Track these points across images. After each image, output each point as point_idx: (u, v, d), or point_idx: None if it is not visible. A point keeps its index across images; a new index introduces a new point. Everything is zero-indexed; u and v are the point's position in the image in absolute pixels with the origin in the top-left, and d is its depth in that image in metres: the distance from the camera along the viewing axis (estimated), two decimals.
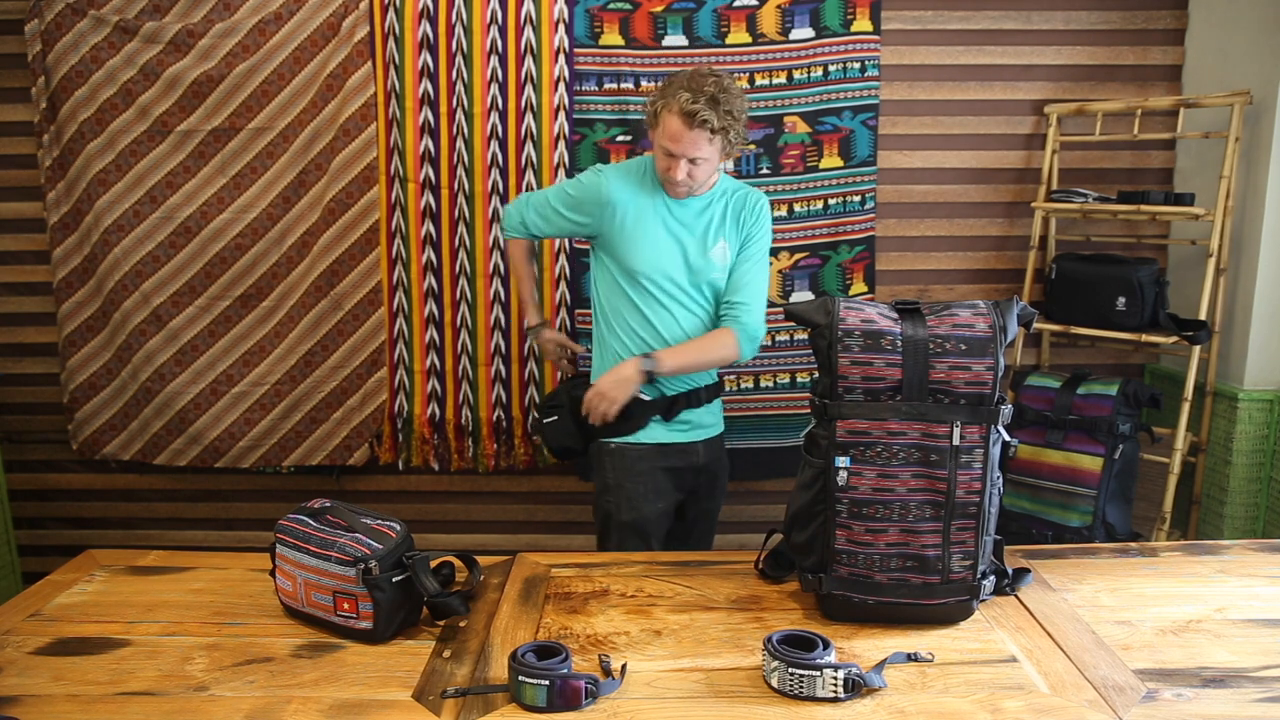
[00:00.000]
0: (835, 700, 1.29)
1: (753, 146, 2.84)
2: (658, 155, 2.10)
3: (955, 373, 1.45)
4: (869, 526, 1.49)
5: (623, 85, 2.83)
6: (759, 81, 2.83)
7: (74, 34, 2.79)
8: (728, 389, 2.95)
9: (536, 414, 2.28)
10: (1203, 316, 2.55)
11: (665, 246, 2.13)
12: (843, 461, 1.48)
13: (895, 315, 1.51)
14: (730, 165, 2.86)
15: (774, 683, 1.32)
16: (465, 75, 2.82)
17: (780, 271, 2.91)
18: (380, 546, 1.48)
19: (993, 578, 1.55)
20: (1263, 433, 2.60)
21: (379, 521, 1.54)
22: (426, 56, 2.82)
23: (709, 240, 2.15)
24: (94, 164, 2.86)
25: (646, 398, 2.16)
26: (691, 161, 2.04)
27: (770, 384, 2.98)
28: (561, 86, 2.82)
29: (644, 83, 2.81)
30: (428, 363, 2.97)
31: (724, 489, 2.41)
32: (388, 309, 2.93)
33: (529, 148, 2.85)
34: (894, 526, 1.48)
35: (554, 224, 2.26)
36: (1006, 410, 1.47)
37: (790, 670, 1.30)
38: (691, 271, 2.14)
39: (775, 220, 2.86)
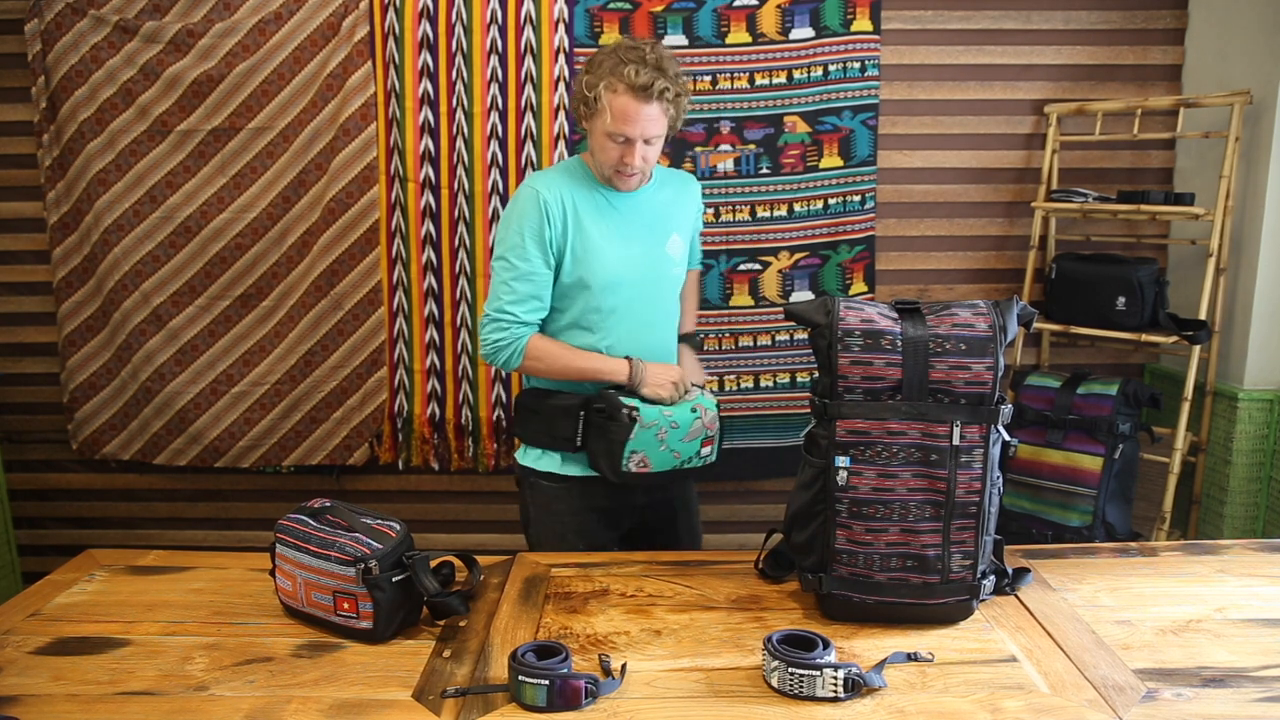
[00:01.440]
0: (835, 700, 1.29)
1: (754, 147, 2.83)
2: (603, 146, 1.86)
3: (955, 372, 1.45)
4: (869, 526, 1.49)
5: None
6: (759, 81, 2.83)
7: (74, 34, 2.79)
8: (727, 389, 2.96)
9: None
10: (1203, 316, 2.55)
11: (618, 247, 1.93)
12: (843, 461, 1.48)
13: (895, 315, 1.51)
14: (730, 165, 2.86)
15: (774, 682, 1.32)
16: (465, 75, 2.83)
17: (780, 271, 2.91)
18: (380, 546, 1.48)
19: (993, 577, 1.55)
20: (1263, 432, 2.60)
21: (379, 521, 1.54)
22: (426, 56, 2.82)
23: (663, 234, 1.98)
24: (94, 164, 2.86)
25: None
26: (646, 143, 1.84)
27: (770, 384, 2.98)
28: (561, 86, 2.82)
29: None
30: (428, 362, 2.97)
31: (692, 534, 2.14)
32: (388, 309, 2.93)
33: (529, 148, 2.85)
34: (894, 526, 1.48)
35: (540, 291, 1.92)
36: (1006, 410, 1.47)
37: (790, 670, 1.30)
38: (650, 270, 1.96)
39: (775, 220, 2.89)
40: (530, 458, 2.03)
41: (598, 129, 1.87)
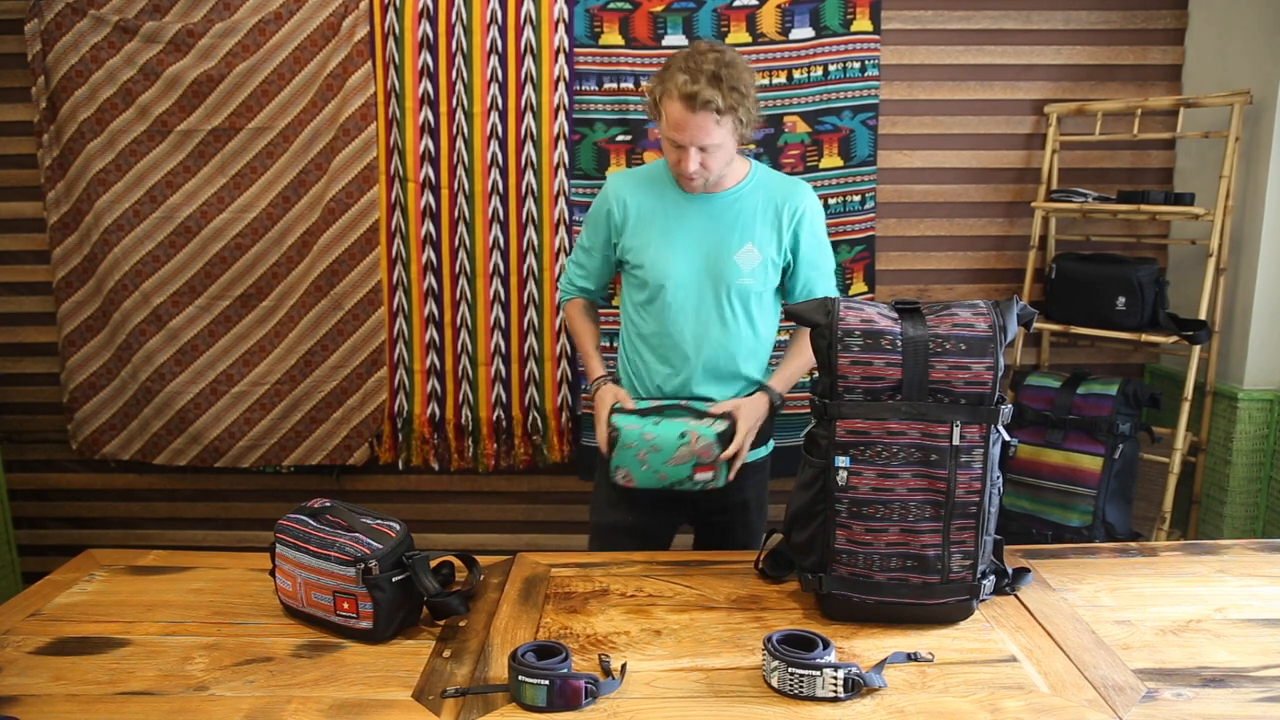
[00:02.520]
0: (835, 700, 1.29)
1: (753, 147, 2.84)
2: (666, 149, 1.92)
3: (955, 372, 1.45)
4: (869, 526, 1.49)
5: (623, 85, 2.83)
6: (759, 81, 2.82)
7: (74, 34, 2.79)
8: None
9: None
10: (1203, 316, 2.55)
11: (679, 247, 1.94)
12: (843, 461, 1.48)
13: (895, 315, 1.51)
14: None
15: (774, 682, 1.32)
16: (465, 75, 2.83)
17: None
18: (380, 546, 1.48)
19: (993, 577, 1.55)
20: (1263, 432, 2.60)
21: (379, 521, 1.54)
22: (426, 56, 2.82)
23: (733, 243, 1.95)
24: (94, 164, 2.86)
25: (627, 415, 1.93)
26: (702, 150, 1.84)
27: None
28: (561, 86, 2.82)
29: (644, 82, 2.81)
30: (428, 362, 2.97)
31: (748, 530, 2.10)
32: (388, 309, 2.93)
33: (529, 147, 2.85)
34: (894, 526, 1.48)
35: (588, 265, 2.11)
36: (1006, 410, 1.47)
37: (790, 670, 1.30)
38: (712, 276, 1.94)
39: None
40: None
41: (661, 133, 1.91)
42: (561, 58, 2.82)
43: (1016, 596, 1.61)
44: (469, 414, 2.99)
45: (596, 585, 1.69)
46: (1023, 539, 2.52)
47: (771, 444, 2.12)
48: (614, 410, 1.93)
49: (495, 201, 2.87)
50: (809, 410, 1.55)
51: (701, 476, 1.90)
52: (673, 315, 1.97)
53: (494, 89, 2.83)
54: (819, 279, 2.05)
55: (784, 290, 2.06)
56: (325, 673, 1.40)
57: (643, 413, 1.93)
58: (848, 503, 1.49)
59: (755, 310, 2.00)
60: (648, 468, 1.89)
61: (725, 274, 1.95)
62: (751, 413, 1.95)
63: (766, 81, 2.83)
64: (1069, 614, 1.55)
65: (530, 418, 2.98)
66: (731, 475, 1.92)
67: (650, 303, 1.99)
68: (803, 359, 2.05)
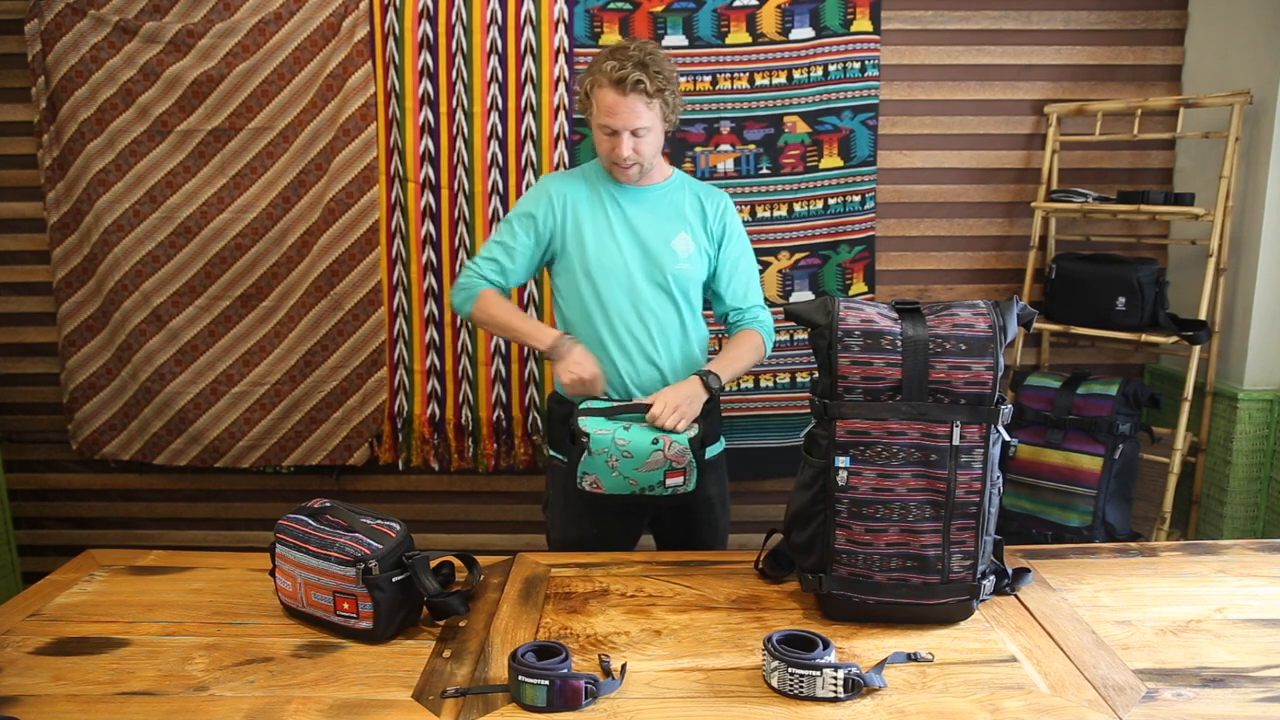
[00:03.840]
0: (835, 700, 1.29)
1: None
2: (599, 140, 1.99)
3: (955, 373, 1.45)
4: (869, 526, 1.49)
5: None
6: (759, 81, 2.83)
7: (74, 34, 2.79)
8: (728, 389, 2.95)
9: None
10: (1203, 316, 2.55)
11: (620, 238, 2.02)
12: (843, 461, 1.48)
13: (895, 315, 1.51)
14: (730, 165, 2.86)
15: (774, 683, 1.32)
16: (465, 75, 2.83)
17: (780, 271, 2.91)
18: (380, 546, 1.48)
19: (993, 578, 1.55)
20: (1262, 433, 2.60)
21: (379, 521, 1.54)
22: (426, 56, 2.82)
23: (669, 230, 2.04)
24: (94, 164, 2.86)
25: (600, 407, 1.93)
26: (635, 135, 1.94)
27: (770, 384, 2.98)
28: (561, 86, 2.82)
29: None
30: (428, 362, 2.97)
31: (714, 528, 2.15)
32: (388, 309, 2.93)
33: (529, 148, 2.85)
34: (894, 526, 1.48)
35: (506, 262, 2.05)
36: (1006, 410, 1.47)
37: (790, 670, 1.30)
38: (651, 263, 2.01)
39: (775, 220, 2.89)
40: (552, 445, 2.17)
41: (592, 123, 2.00)
42: (561, 58, 2.82)
43: (1016, 596, 1.61)
44: (469, 414, 2.99)
45: (596, 585, 1.69)
46: (1023, 539, 2.52)
47: (723, 442, 2.17)
48: (580, 412, 1.91)
49: (495, 202, 2.87)
50: (809, 410, 1.55)
51: (673, 481, 1.90)
52: (618, 301, 2.02)
53: (494, 89, 2.83)
54: (752, 280, 2.13)
55: (711, 294, 2.14)
56: (325, 673, 1.40)
57: (609, 414, 1.91)
58: (848, 503, 1.49)
59: (694, 299, 2.09)
60: (618, 474, 1.88)
61: (664, 261, 2.03)
62: (673, 394, 1.92)
63: (767, 81, 2.83)
64: (1069, 614, 1.55)
65: (530, 418, 2.98)
66: (690, 431, 1.88)
67: (590, 297, 2.03)
68: (743, 347, 2.06)
